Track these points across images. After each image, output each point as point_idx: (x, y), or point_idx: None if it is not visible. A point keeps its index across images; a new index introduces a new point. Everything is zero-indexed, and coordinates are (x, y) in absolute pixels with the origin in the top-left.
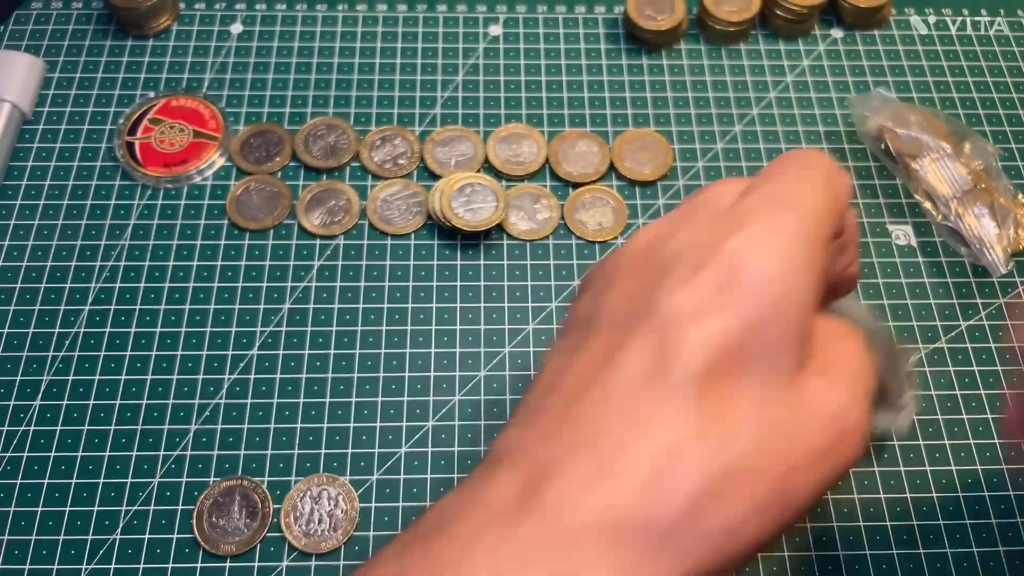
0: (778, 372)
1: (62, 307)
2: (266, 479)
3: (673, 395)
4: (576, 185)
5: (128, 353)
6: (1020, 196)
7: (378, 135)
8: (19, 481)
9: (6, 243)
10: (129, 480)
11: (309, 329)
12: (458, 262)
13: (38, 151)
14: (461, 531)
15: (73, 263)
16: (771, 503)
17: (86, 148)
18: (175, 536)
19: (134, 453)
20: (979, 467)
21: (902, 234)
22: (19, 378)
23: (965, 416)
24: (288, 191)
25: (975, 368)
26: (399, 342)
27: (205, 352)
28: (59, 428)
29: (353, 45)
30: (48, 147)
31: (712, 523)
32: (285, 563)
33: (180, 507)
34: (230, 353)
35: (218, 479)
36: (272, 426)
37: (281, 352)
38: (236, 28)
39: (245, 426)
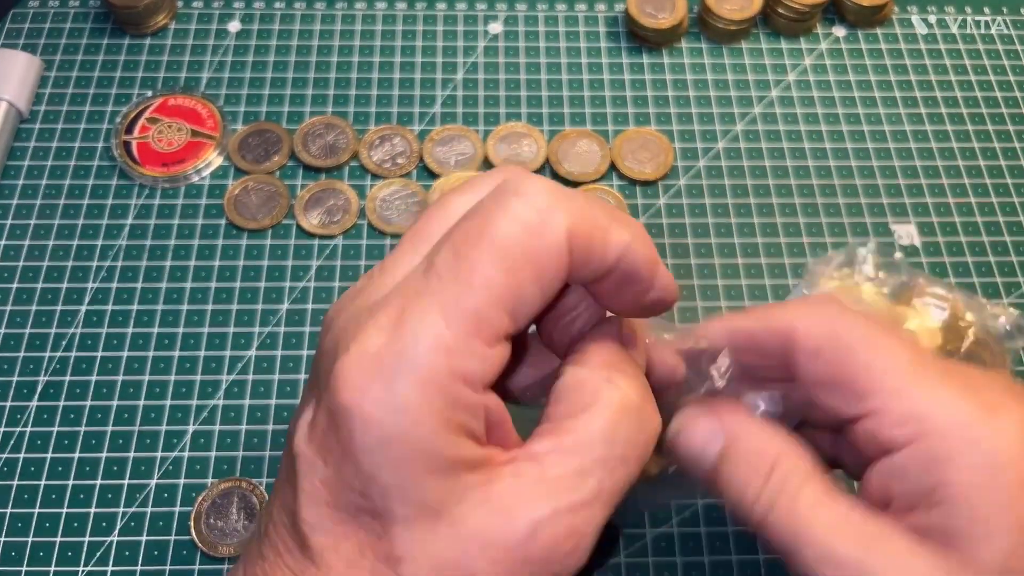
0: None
1: (59, 307)
2: (264, 480)
3: None
4: (576, 184)
5: (125, 354)
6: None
7: (377, 134)
8: (16, 482)
9: (2, 243)
10: (126, 481)
11: (308, 330)
12: None
13: (35, 150)
14: None
15: (70, 263)
16: None
17: (83, 147)
18: (173, 538)
19: (131, 454)
20: None
21: (904, 233)
22: (15, 379)
23: None
24: (286, 190)
25: None
26: None
27: (203, 353)
28: (56, 429)
29: (352, 43)
30: (45, 146)
31: None
32: None
33: (178, 508)
34: (228, 354)
35: (216, 480)
36: (270, 427)
37: (279, 353)
38: (234, 26)
39: (243, 427)
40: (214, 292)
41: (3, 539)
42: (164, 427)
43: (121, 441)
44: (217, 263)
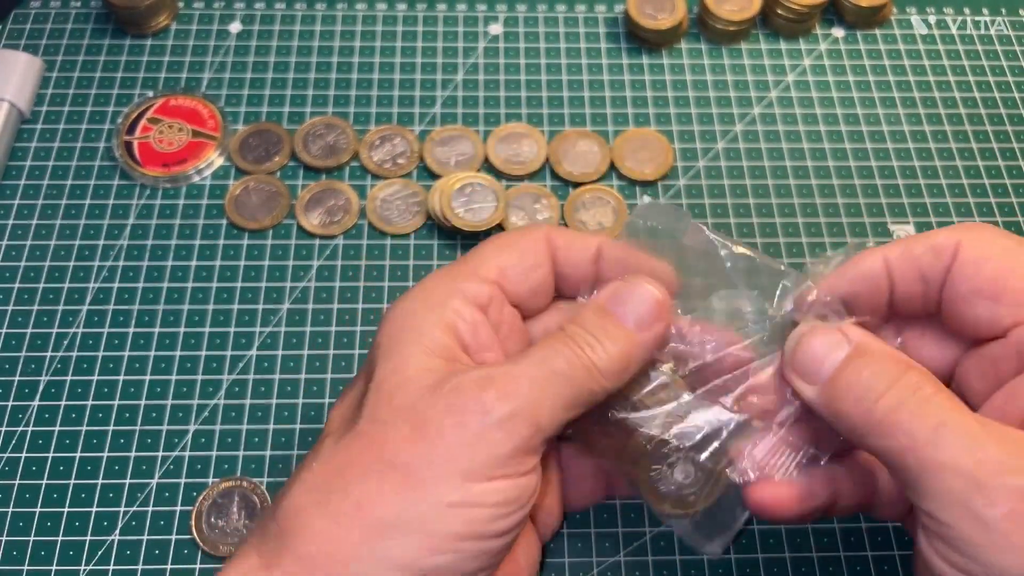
0: None
1: (60, 307)
2: (265, 480)
3: None
4: (576, 185)
5: (127, 353)
6: None
7: (377, 134)
8: (17, 482)
9: (4, 243)
10: (128, 481)
11: (308, 329)
12: None
13: (36, 150)
14: None
15: (71, 263)
16: None
17: (84, 147)
18: (174, 537)
19: (133, 454)
20: None
21: (903, 233)
22: (17, 378)
23: None
24: (287, 191)
25: None
26: None
27: (204, 352)
28: (57, 429)
29: (352, 44)
30: (46, 146)
31: None
32: None
33: (179, 508)
34: (229, 353)
35: (217, 480)
36: (271, 427)
37: (280, 352)
38: (235, 27)
39: (244, 427)
40: (215, 292)
41: (5, 538)
42: (165, 426)
43: (122, 440)
44: (218, 263)
